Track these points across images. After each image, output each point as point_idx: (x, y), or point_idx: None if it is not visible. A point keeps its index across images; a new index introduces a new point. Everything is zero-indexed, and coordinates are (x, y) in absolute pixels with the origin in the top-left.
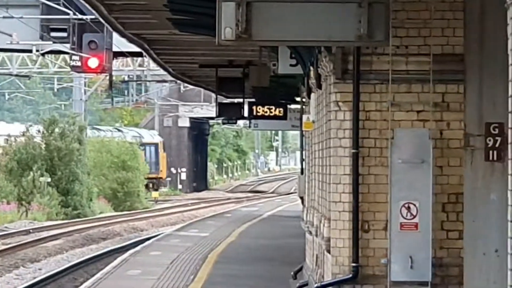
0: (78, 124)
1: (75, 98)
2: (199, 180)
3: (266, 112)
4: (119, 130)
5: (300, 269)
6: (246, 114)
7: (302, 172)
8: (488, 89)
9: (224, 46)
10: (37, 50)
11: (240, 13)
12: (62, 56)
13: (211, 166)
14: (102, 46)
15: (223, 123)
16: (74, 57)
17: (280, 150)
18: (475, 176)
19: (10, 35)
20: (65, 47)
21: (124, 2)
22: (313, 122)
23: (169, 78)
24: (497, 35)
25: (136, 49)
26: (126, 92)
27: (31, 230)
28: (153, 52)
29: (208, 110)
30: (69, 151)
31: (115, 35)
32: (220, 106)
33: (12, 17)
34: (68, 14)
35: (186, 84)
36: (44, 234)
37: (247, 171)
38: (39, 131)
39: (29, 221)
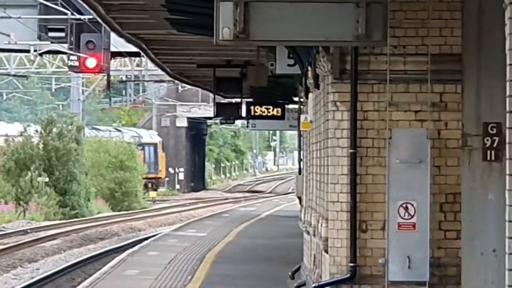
0: (76, 124)
1: (73, 98)
2: (197, 180)
3: (264, 112)
4: (118, 130)
5: (298, 269)
6: (244, 114)
7: (300, 172)
8: (486, 89)
9: (222, 46)
10: (35, 50)
11: (238, 13)
12: (60, 56)
13: (209, 166)
14: (100, 46)
15: (221, 123)
16: (72, 57)
17: (278, 150)
18: (473, 176)
19: (8, 35)
20: (63, 47)
21: (122, 2)
22: (311, 122)
23: (167, 78)
24: (495, 35)
25: (134, 49)
26: (124, 92)
27: (29, 230)
28: (151, 52)
29: (206, 110)
30: (67, 151)
31: (113, 35)
32: (218, 106)
33: (10, 17)
34: (66, 14)
35: (184, 84)
36: (42, 234)
37: (245, 171)
38: (37, 131)
39: (27, 221)
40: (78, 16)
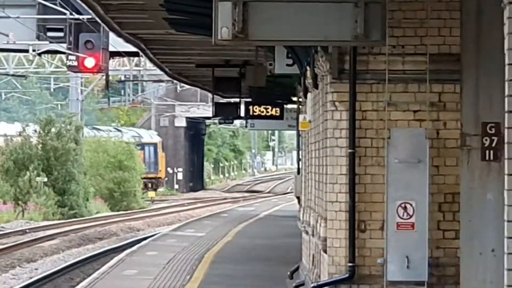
0: (75, 124)
1: (72, 98)
2: (195, 180)
3: (263, 112)
4: (119, 130)
5: (297, 269)
6: (242, 114)
7: (298, 172)
8: (484, 88)
9: (221, 46)
10: (34, 50)
11: (237, 13)
12: (58, 56)
13: (208, 166)
14: (98, 46)
15: (220, 123)
16: (70, 57)
17: (276, 150)
18: (471, 176)
19: (7, 35)
20: (62, 47)
21: (120, 2)
22: (310, 121)
23: (166, 78)
24: (494, 34)
25: (132, 49)
26: (122, 92)
27: (27, 230)
28: (150, 52)
29: (205, 110)
30: (66, 151)
31: (111, 35)
32: (217, 106)
33: (9, 17)
34: (64, 14)
35: (182, 84)
36: (41, 234)
37: (243, 171)
38: (35, 131)
39: (25, 221)
40: (76, 16)
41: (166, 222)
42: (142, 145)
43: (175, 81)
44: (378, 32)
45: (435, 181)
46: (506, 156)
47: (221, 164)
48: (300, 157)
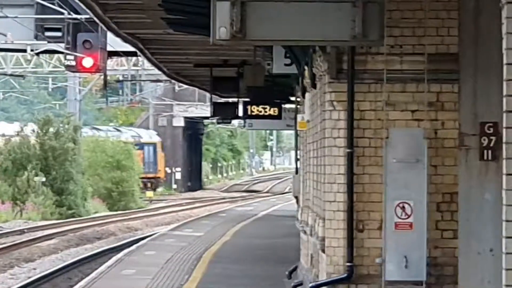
0: (73, 123)
1: (70, 97)
2: (193, 180)
3: (261, 111)
4: (118, 130)
5: (295, 269)
6: (240, 113)
7: (296, 172)
8: (482, 88)
9: (219, 46)
10: (32, 50)
11: (235, 12)
12: (56, 55)
13: (206, 166)
14: (96, 45)
15: (218, 123)
16: (68, 57)
17: (274, 149)
18: (469, 176)
19: (5, 35)
20: (60, 47)
21: (118, 1)
22: (308, 121)
23: (164, 77)
24: (492, 34)
25: (130, 48)
26: (120, 91)
27: (25, 230)
28: (148, 52)
29: (203, 110)
30: (64, 150)
31: (109, 34)
32: (215, 105)
33: (7, 17)
34: (62, 13)
35: (180, 84)
36: (39, 233)
37: (241, 171)
38: (33, 130)
39: (23, 221)
40: (75, 16)
41: (164, 221)
42: (141, 145)
43: (173, 81)
44: (376, 32)
45: (433, 180)
46: (504, 156)
47: (219, 164)
48: (298, 157)
